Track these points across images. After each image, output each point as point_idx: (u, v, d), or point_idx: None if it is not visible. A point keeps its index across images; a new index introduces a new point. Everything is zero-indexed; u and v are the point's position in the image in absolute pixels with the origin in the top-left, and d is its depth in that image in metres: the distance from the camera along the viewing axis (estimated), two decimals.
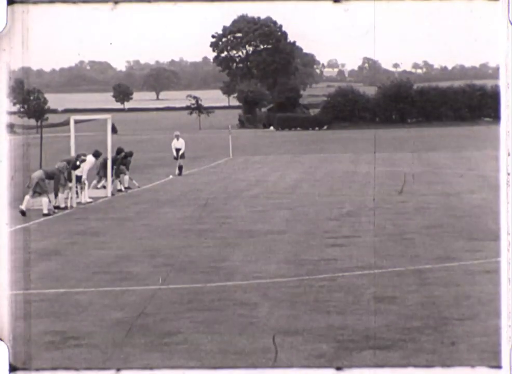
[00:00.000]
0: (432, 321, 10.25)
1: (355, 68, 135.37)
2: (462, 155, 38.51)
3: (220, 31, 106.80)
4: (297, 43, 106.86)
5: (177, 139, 32.73)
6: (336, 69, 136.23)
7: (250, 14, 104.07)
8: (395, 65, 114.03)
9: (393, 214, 19.83)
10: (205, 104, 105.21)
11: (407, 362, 8.61)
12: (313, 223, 19.23)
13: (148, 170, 34.07)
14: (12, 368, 7.51)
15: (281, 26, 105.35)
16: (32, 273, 13.70)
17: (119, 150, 27.60)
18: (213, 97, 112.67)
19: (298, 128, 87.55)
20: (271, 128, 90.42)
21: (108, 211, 22.08)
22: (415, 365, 8.31)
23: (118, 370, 7.82)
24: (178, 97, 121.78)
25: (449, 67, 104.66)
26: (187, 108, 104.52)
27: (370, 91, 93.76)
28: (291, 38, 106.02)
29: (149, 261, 14.53)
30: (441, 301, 11.33)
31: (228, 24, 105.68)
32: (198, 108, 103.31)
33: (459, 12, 7.30)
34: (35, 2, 7.35)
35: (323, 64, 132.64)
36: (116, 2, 7.41)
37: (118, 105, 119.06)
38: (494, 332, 9.66)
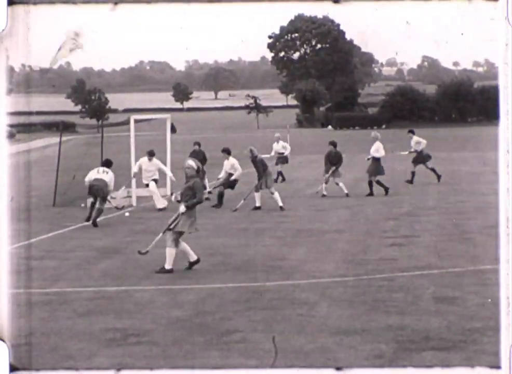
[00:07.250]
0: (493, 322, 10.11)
1: (414, 66, 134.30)
2: None
3: (277, 32, 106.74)
4: (354, 42, 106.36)
5: (277, 142, 30.00)
6: (394, 68, 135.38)
7: (306, 13, 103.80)
8: (455, 64, 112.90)
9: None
10: (263, 103, 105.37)
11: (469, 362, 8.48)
12: (372, 222, 19.18)
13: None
14: (12, 368, 7.54)
15: (338, 25, 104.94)
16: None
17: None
18: (271, 96, 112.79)
19: (357, 127, 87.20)
20: (330, 127, 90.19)
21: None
22: (415, 366, 8.16)
23: (118, 370, 7.86)
24: (237, 97, 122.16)
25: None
26: (246, 107, 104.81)
27: (430, 89, 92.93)
28: (348, 37, 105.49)
29: (208, 259, 14.55)
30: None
31: (285, 23, 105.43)
32: (256, 107, 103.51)
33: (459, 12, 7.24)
34: (35, 3, 7.39)
35: (381, 63, 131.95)
36: (115, 3, 7.48)
37: (178, 105, 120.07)
38: None
